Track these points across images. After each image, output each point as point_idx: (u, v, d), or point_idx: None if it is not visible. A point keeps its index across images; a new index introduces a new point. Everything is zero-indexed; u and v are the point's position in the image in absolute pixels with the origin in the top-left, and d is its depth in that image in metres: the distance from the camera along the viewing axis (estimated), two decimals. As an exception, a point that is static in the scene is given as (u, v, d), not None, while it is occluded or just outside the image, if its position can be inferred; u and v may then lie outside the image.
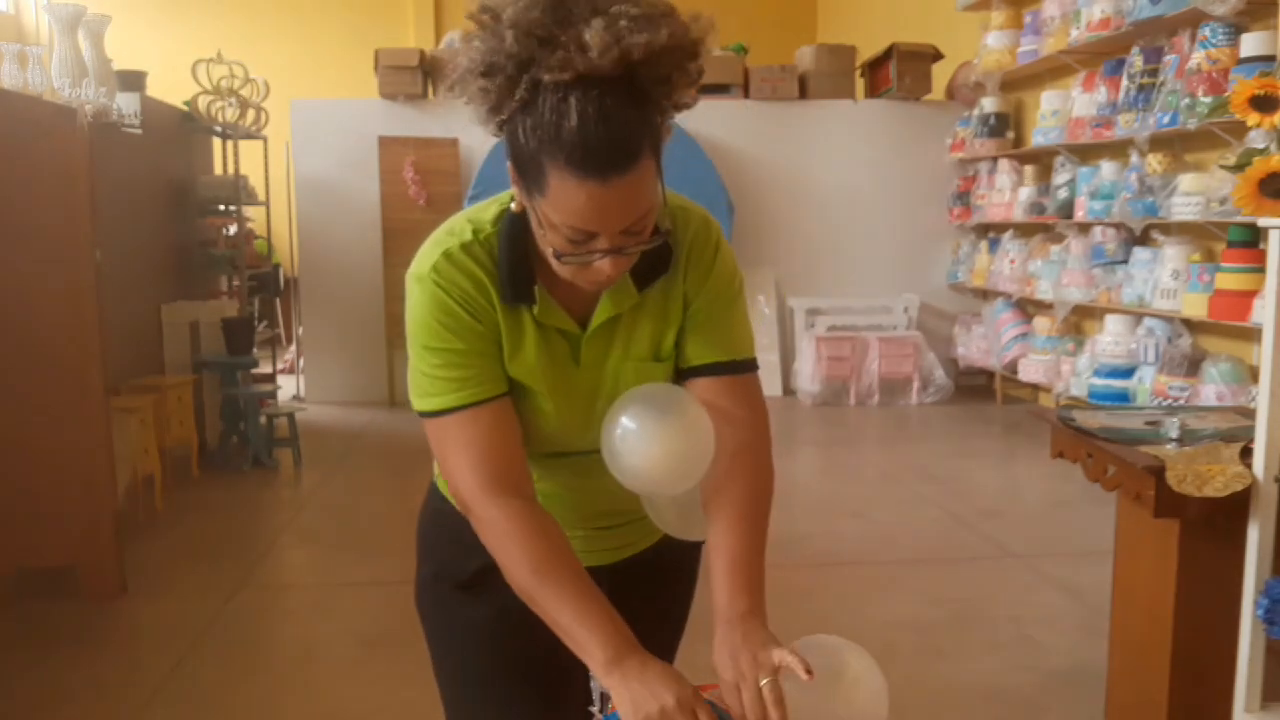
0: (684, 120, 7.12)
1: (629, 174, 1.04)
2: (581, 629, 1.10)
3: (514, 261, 1.18)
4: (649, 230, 1.11)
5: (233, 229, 6.74)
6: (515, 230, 1.18)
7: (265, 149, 7.19)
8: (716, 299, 1.25)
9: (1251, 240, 4.59)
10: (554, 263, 1.13)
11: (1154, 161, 5.22)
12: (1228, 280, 4.66)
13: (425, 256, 1.19)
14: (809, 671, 1.03)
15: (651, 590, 1.43)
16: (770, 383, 7.25)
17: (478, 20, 1.06)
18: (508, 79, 1.04)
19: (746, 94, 7.56)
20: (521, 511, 1.16)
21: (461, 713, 1.42)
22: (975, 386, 7.61)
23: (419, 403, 1.21)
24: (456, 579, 1.36)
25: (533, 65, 1.03)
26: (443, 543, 1.39)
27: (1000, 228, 7.15)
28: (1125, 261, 5.64)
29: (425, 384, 1.19)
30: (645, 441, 1.16)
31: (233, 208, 6.70)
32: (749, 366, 1.28)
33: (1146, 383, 5.16)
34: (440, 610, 1.40)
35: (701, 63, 1.09)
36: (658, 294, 1.24)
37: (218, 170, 7.18)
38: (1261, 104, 1.97)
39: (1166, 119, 4.99)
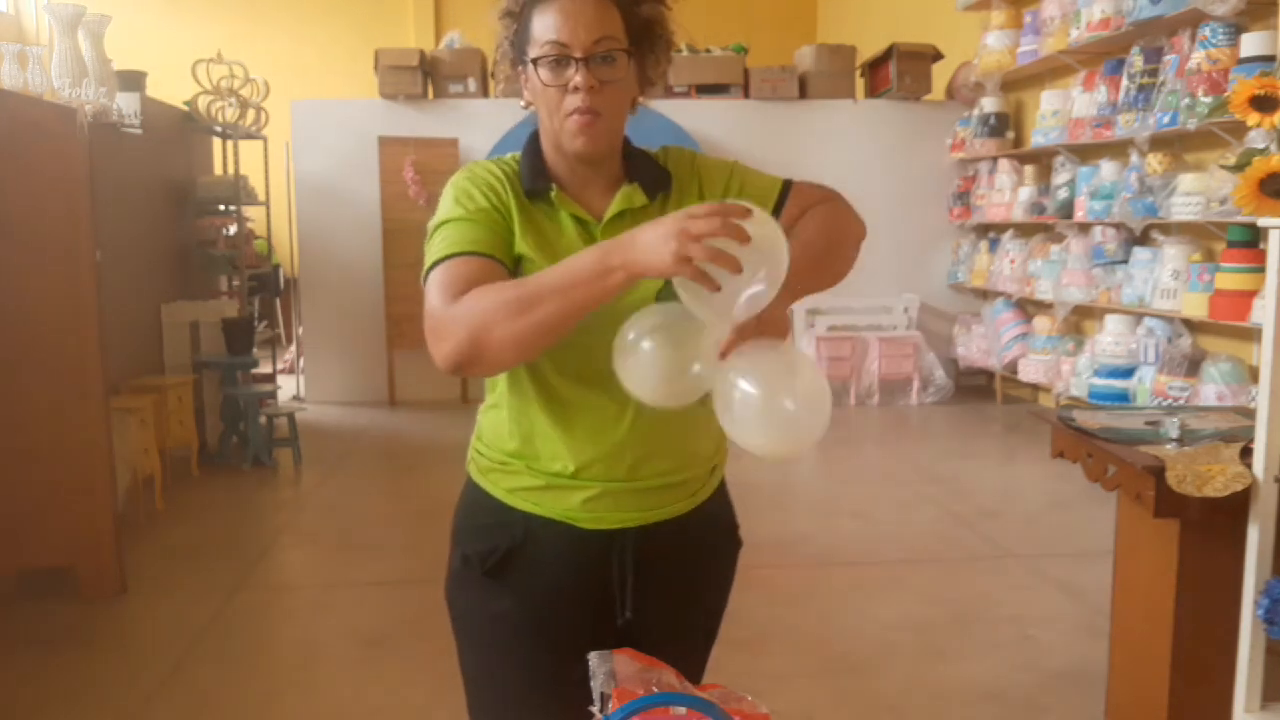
0: (685, 120, 7.19)
1: None
2: (570, 267, 1.17)
3: (533, 161, 1.39)
4: (618, 64, 1.31)
5: (233, 229, 6.73)
6: (534, 141, 1.40)
7: (265, 149, 7.19)
8: (741, 175, 1.47)
9: (1251, 240, 4.59)
10: (545, 108, 1.32)
11: (1154, 161, 5.22)
12: (1228, 280, 4.66)
13: (458, 171, 1.41)
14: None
15: (681, 558, 1.45)
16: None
17: None
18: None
19: (746, 94, 7.56)
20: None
21: (480, 700, 1.49)
22: (975, 386, 7.61)
23: (427, 276, 1.28)
24: (484, 564, 1.42)
25: None
26: (470, 529, 1.46)
27: (1000, 228, 7.15)
28: (1125, 261, 5.64)
29: (434, 250, 1.30)
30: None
31: (233, 208, 6.70)
32: (791, 182, 1.49)
33: (1146, 383, 5.16)
34: (466, 598, 1.46)
35: None
36: (672, 203, 1.41)
37: (218, 170, 7.17)
38: (1261, 104, 1.96)
39: (1166, 119, 4.99)
